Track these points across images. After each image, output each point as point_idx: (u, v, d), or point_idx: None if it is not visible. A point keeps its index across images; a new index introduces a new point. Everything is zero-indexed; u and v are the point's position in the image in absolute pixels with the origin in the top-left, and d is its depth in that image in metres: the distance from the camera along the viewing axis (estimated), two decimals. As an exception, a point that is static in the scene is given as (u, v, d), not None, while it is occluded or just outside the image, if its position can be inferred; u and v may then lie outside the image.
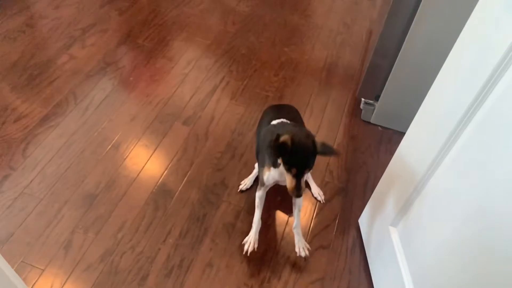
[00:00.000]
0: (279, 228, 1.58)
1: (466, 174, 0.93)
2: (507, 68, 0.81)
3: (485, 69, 0.85)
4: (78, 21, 2.37)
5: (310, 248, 1.48)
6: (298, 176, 1.20)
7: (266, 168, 1.35)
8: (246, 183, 1.66)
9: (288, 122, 1.37)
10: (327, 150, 1.22)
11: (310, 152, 1.19)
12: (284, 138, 1.16)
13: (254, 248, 1.44)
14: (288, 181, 1.22)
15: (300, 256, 1.46)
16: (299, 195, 1.23)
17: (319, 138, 1.22)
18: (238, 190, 1.65)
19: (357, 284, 1.45)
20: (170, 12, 2.52)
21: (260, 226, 1.46)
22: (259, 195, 1.45)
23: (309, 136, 1.21)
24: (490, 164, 0.84)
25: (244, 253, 1.44)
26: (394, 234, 1.28)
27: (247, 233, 1.51)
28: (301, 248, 1.45)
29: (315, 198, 1.67)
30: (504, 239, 0.79)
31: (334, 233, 1.58)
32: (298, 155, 1.17)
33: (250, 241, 1.44)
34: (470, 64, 0.93)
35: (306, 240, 1.52)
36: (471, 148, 0.92)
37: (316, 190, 1.68)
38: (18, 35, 2.24)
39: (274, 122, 1.38)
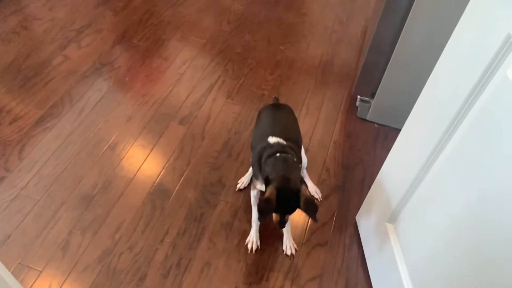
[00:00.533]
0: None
1: (463, 168, 0.93)
2: (503, 60, 0.81)
3: (481, 61, 0.86)
4: (73, 22, 2.37)
5: (297, 249, 1.50)
6: (281, 215, 1.26)
7: (258, 182, 1.38)
8: (243, 181, 1.66)
9: (285, 143, 1.35)
10: (308, 211, 1.22)
11: (294, 204, 1.23)
12: (269, 193, 1.20)
13: (258, 246, 1.48)
14: (273, 216, 1.27)
15: (296, 255, 1.48)
16: (282, 227, 1.29)
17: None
18: (236, 189, 1.65)
19: (355, 281, 1.46)
20: (165, 11, 2.52)
21: (259, 223, 1.49)
22: (254, 193, 1.47)
23: (296, 185, 1.23)
24: (488, 157, 0.85)
25: (249, 252, 1.47)
26: (391, 231, 1.29)
27: (245, 232, 1.52)
28: (288, 246, 1.48)
29: (312, 196, 1.67)
30: (503, 232, 0.80)
31: (331, 230, 1.58)
32: (282, 205, 1.22)
33: (253, 240, 1.48)
34: (466, 57, 0.93)
35: (303, 238, 1.53)
36: (468, 141, 0.92)
37: (313, 188, 1.68)
38: (12, 37, 2.23)
39: (270, 139, 1.35)
